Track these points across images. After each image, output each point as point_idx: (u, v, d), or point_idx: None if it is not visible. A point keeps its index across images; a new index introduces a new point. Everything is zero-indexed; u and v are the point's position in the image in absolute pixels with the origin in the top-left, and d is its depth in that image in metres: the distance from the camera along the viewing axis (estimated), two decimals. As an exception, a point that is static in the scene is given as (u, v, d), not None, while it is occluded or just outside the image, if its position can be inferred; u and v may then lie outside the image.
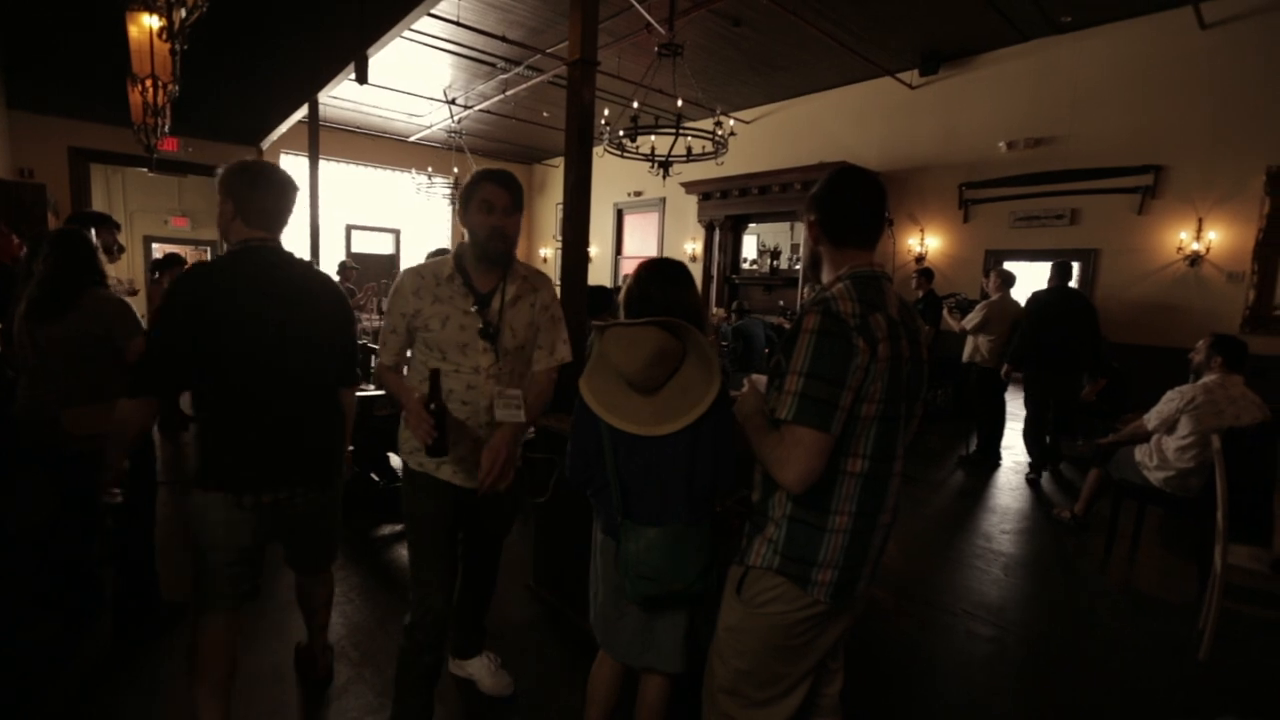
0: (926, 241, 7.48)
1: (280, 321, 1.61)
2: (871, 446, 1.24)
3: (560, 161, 12.81)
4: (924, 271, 6.13)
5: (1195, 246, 5.62)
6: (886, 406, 1.22)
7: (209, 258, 10.94)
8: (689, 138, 5.76)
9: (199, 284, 1.55)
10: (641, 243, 11.12)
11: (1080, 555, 3.55)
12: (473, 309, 1.68)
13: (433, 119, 9.95)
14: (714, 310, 8.32)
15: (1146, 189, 5.90)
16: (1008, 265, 5.81)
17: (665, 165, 6.05)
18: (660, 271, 1.53)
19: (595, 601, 1.65)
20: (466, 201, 1.67)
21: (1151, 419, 3.26)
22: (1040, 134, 6.55)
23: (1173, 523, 3.99)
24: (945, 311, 5.57)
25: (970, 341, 5.09)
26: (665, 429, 1.41)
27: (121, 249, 6.09)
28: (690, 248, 10.16)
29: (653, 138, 6.05)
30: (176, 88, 4.24)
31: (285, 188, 1.70)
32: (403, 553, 3.23)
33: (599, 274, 11.35)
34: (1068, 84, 6.35)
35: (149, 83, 4.07)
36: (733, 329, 6.20)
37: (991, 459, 4.99)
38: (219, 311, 1.52)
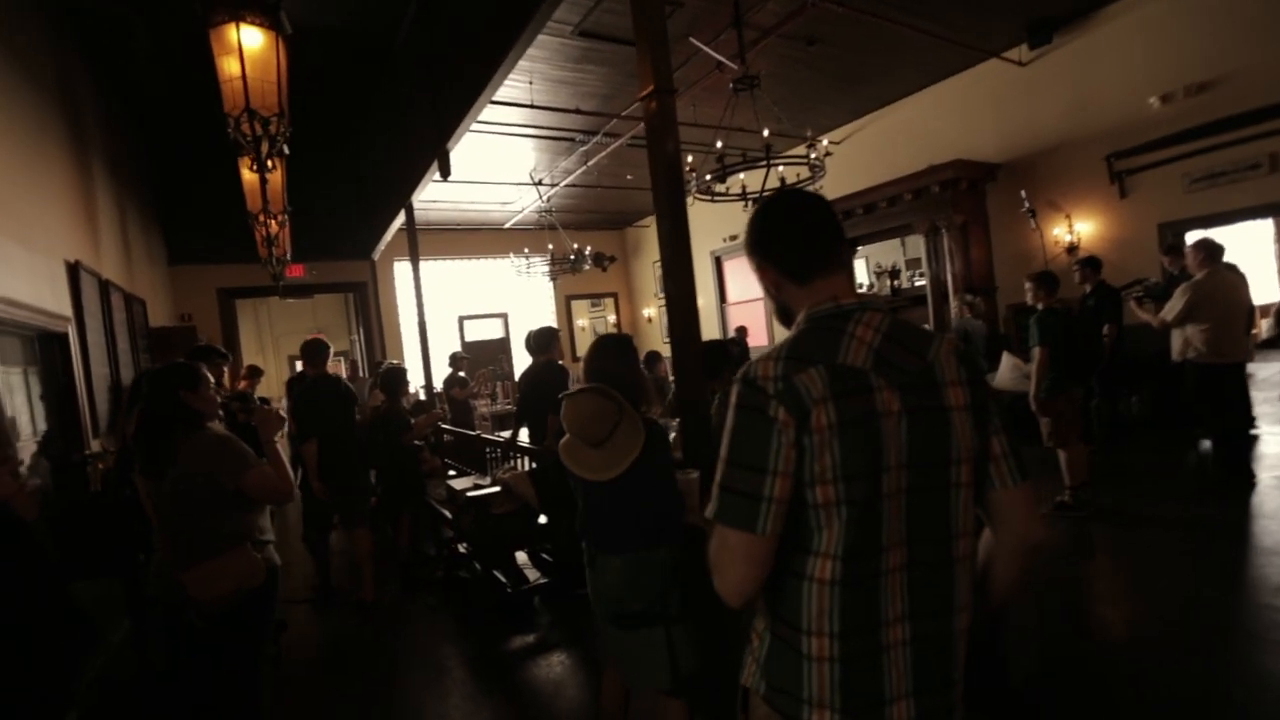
0: (1076, 228, 6.45)
1: (330, 412, 3.71)
2: (844, 541, 0.92)
3: (651, 221, 12.88)
4: (1088, 261, 5.19)
5: None
6: (855, 486, 0.91)
7: (344, 365, 11.86)
8: (781, 168, 5.37)
9: (300, 396, 3.72)
10: (745, 287, 10.69)
11: None
12: None
13: (523, 203, 10.30)
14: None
15: (1373, 110, 4.68)
16: (1193, 235, 4.84)
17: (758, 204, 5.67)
18: (600, 347, 2.02)
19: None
20: None
21: None
22: (1201, 78, 5.49)
23: None
24: (1134, 304, 4.60)
25: (1178, 335, 4.09)
26: (609, 474, 1.80)
27: (258, 373, 6.57)
28: (796, 282, 9.58)
29: (742, 176, 5.73)
30: (286, 217, 4.47)
31: (319, 350, 3.89)
32: (541, 673, 2.88)
33: (707, 326, 10.98)
34: (1222, 15, 5.32)
35: (262, 216, 4.32)
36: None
37: (1242, 477, 3.90)
38: (307, 407, 3.37)
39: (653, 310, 12.87)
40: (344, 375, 7.90)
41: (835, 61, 6.62)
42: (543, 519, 3.48)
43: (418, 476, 4.40)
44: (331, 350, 3.98)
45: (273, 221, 4.50)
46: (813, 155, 5.26)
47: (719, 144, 5.34)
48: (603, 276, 11.80)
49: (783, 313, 1.13)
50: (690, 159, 5.94)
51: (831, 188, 7.44)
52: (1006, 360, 4.97)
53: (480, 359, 9.23)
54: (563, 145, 8.00)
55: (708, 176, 5.83)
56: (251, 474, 2.00)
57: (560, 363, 3.82)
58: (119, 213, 5.28)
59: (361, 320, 9.21)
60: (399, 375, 4.40)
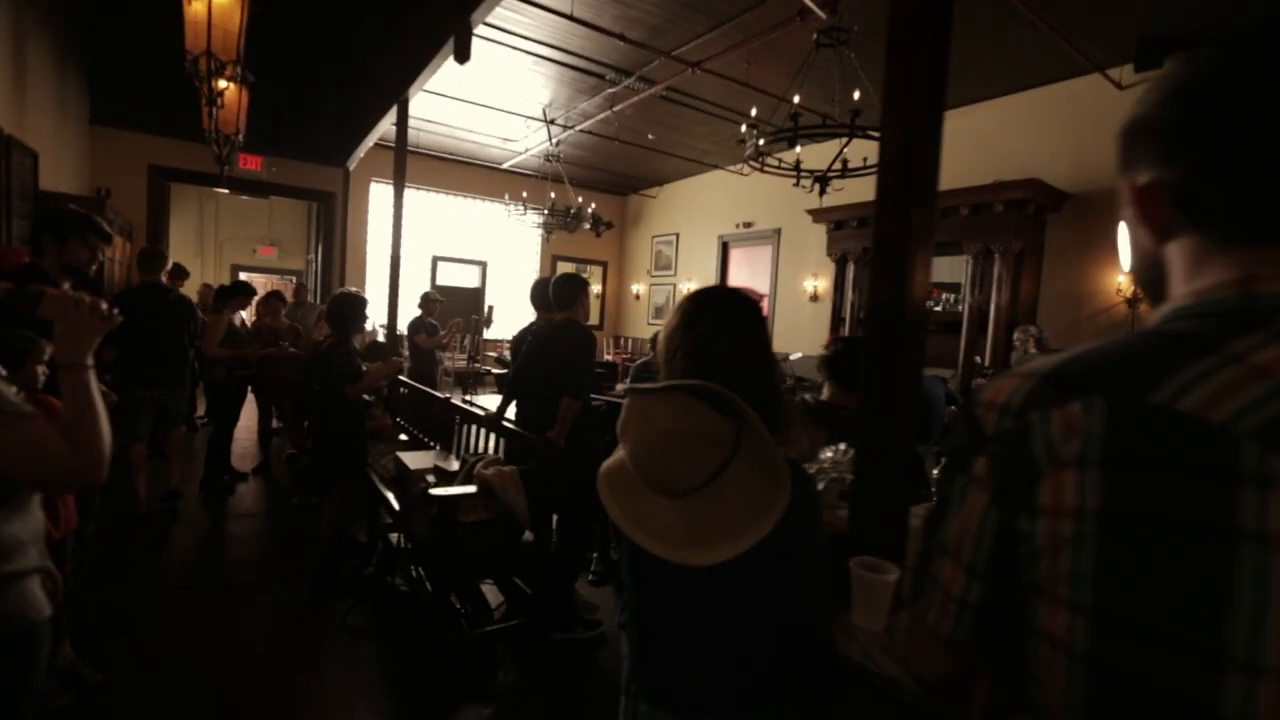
0: (1144, 279, 5.81)
1: (157, 313, 3.81)
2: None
3: (657, 191, 11.86)
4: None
5: None
6: (1127, 639, 0.45)
7: (292, 287, 10.54)
8: (845, 150, 4.52)
9: (116, 298, 3.47)
10: (749, 278, 9.86)
11: None
12: None
13: (527, 143, 9.21)
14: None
15: None
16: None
17: (823, 181, 4.80)
18: (706, 307, 1.04)
19: None
20: None
21: None
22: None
23: None
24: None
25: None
26: (703, 557, 0.91)
27: (183, 274, 5.39)
28: (811, 285, 8.80)
29: (799, 149, 4.84)
30: (239, 71, 3.39)
31: (154, 258, 3.98)
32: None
33: (700, 313, 10.12)
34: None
35: (205, 63, 3.20)
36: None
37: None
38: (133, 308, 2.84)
39: (642, 287, 11.95)
40: (289, 297, 6.74)
41: (922, 41, 5.79)
42: (528, 535, 2.55)
43: (360, 440, 3.40)
44: (168, 262, 4.21)
45: (219, 78, 3.36)
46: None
47: (795, 99, 4.42)
48: (595, 242, 10.84)
49: (1150, 281, 0.59)
50: (755, 111, 5.02)
51: (868, 187, 6.64)
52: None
53: (453, 307, 8.12)
54: (588, 82, 6.96)
55: (761, 142, 4.95)
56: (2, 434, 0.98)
57: (589, 327, 2.85)
58: (13, 33, 4.03)
59: (322, 238, 7.98)
60: (353, 305, 3.34)
